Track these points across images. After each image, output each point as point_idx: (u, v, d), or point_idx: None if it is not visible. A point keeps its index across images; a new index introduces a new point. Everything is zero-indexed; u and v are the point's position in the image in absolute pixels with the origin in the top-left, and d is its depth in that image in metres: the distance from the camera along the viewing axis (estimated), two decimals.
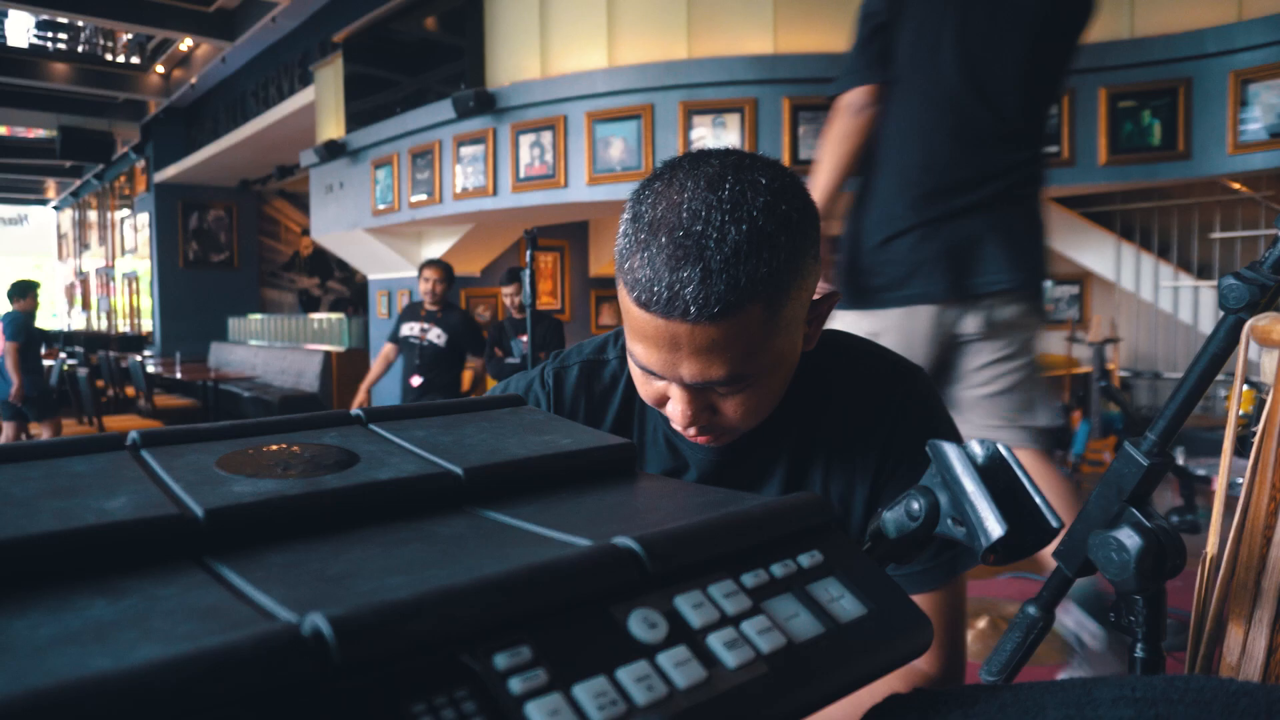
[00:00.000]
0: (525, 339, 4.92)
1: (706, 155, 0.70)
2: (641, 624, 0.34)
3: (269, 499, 0.41)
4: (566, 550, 0.37)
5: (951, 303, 1.75)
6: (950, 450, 0.44)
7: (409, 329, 4.42)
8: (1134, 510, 0.65)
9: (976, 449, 0.44)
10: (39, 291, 6.10)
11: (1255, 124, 4.62)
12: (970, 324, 1.77)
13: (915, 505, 0.46)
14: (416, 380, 4.35)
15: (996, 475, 0.43)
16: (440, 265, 4.44)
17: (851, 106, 1.79)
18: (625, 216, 0.70)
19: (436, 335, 4.39)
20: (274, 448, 0.50)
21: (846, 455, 0.82)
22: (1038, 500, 0.42)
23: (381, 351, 4.62)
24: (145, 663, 0.26)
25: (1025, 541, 0.42)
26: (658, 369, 0.70)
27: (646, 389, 0.74)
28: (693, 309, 0.64)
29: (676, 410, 0.72)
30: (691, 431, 0.74)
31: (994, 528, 0.41)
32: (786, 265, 0.66)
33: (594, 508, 0.46)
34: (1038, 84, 1.79)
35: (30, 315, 5.99)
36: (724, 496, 0.46)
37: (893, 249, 1.76)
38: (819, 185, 1.81)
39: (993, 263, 1.74)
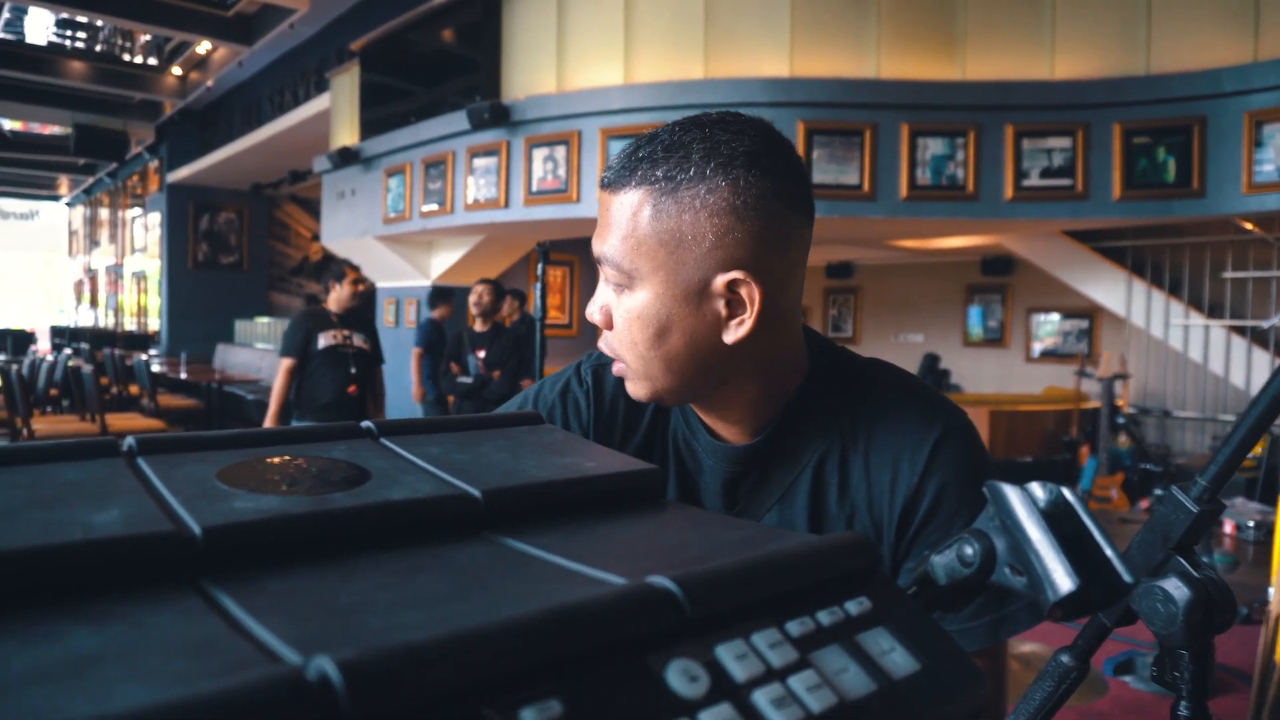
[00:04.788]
0: (481, 355, 4.86)
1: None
2: (681, 676, 0.31)
3: (273, 517, 0.38)
4: (597, 589, 0.33)
5: None
6: (1011, 492, 0.41)
7: (329, 339, 4.18)
8: (1181, 559, 0.61)
9: (1038, 492, 0.40)
10: (453, 300, 5.84)
11: (1269, 165, 4.59)
12: None
13: (969, 550, 0.42)
14: (353, 389, 4.21)
15: (1061, 521, 0.40)
16: (357, 268, 4.45)
17: None
18: None
19: (362, 340, 4.29)
20: (279, 461, 0.47)
21: (874, 492, 0.78)
22: (1108, 552, 0.38)
23: (285, 368, 4.17)
24: (130, 710, 0.22)
25: (1094, 597, 0.38)
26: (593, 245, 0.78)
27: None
28: (604, 177, 0.75)
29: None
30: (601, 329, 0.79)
31: (1063, 582, 0.37)
32: (689, 181, 0.70)
33: (622, 539, 0.43)
34: None
35: (439, 324, 5.74)
36: (761, 532, 0.43)
37: None
38: None
39: None
